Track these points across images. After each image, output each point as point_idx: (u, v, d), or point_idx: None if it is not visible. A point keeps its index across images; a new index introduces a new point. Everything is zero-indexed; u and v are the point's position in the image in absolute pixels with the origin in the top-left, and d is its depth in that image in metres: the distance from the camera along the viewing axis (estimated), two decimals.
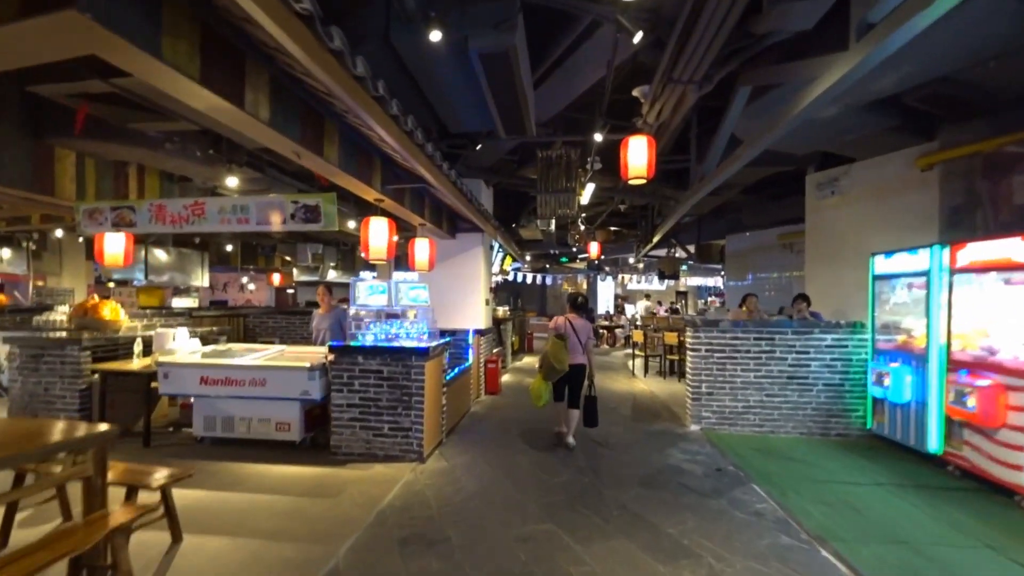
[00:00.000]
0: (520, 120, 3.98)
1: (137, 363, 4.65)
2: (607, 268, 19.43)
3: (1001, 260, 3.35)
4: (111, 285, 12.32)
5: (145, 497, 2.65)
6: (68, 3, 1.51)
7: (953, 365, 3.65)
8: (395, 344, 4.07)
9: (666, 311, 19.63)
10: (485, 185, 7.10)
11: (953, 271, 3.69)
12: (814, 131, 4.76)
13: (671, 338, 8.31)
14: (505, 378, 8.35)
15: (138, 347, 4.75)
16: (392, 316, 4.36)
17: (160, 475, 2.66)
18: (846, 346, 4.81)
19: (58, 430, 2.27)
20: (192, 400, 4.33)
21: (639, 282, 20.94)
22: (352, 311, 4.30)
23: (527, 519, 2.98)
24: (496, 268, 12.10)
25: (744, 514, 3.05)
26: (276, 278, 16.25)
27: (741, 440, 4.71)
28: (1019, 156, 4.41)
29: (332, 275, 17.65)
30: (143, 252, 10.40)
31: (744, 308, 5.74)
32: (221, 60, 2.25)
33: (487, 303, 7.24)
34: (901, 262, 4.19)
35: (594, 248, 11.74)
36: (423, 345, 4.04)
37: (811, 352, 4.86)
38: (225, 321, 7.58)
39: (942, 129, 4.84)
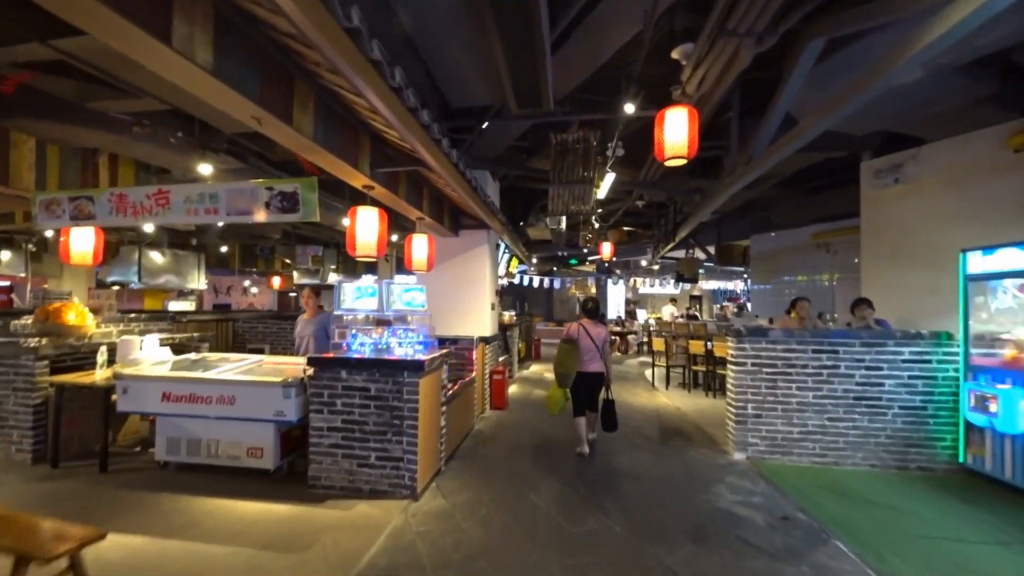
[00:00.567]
0: (536, 87, 3.31)
1: (99, 375, 4.03)
2: (618, 271, 18.65)
3: None
4: (115, 288, 11.86)
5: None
6: None
7: None
8: (385, 357, 3.40)
9: (681, 316, 18.78)
10: (492, 178, 6.45)
11: None
12: (885, 104, 4.03)
13: (696, 347, 7.54)
14: (512, 389, 7.65)
15: (101, 357, 4.14)
16: (383, 323, 3.70)
17: (65, 538, 1.99)
18: (928, 361, 4.02)
19: None
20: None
21: (652, 286, 20.11)
22: (337, 316, 3.65)
23: None
24: (502, 270, 11.43)
25: None
26: (276, 281, 15.75)
27: (800, 474, 3.95)
28: None
29: (333, 278, 17.09)
30: (136, 254, 9.94)
31: (793, 314, 4.97)
32: None
33: (493, 307, 6.56)
34: (1008, 259, 3.42)
35: (607, 249, 11.01)
36: (418, 358, 3.36)
37: (884, 368, 4.08)
38: (213, 326, 6.99)
39: None
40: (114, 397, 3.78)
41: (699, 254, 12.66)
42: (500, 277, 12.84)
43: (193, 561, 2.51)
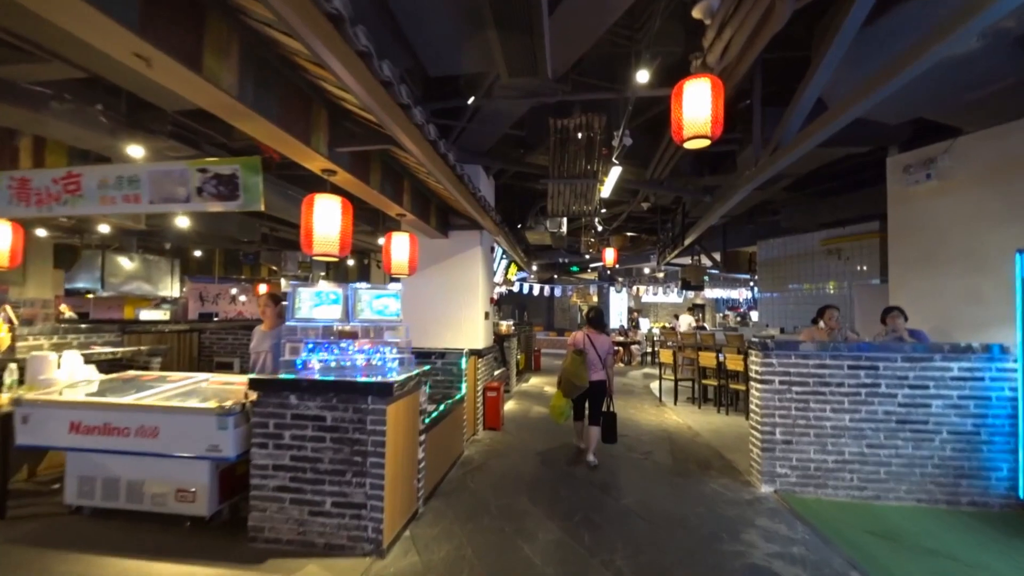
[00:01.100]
0: (531, 50, 2.76)
1: (4, 398, 3.39)
2: (620, 279, 18.12)
3: None
4: (90, 296, 11.13)
5: None
6: None
7: None
8: (345, 378, 2.78)
9: (701, 327, 18.21)
10: (485, 174, 5.89)
11: None
12: (923, 86, 3.51)
13: (707, 359, 6.95)
14: (509, 405, 7.02)
15: (10, 377, 3.49)
16: (348, 335, 3.09)
17: None
18: (981, 378, 3.46)
19: None
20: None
21: (655, 294, 19.58)
22: (290, 329, 3.03)
23: None
24: (499, 277, 10.84)
25: None
26: (263, 289, 15.07)
27: (839, 512, 3.34)
28: None
29: (323, 285, 16.40)
30: (100, 258, 9.28)
31: (821, 324, 4.40)
32: None
33: (487, 317, 5.96)
34: None
35: (610, 255, 10.46)
36: (386, 379, 2.75)
37: (930, 387, 3.51)
38: (173, 338, 6.34)
39: None
40: None
41: (704, 261, 12.15)
42: (498, 284, 12.26)
43: None
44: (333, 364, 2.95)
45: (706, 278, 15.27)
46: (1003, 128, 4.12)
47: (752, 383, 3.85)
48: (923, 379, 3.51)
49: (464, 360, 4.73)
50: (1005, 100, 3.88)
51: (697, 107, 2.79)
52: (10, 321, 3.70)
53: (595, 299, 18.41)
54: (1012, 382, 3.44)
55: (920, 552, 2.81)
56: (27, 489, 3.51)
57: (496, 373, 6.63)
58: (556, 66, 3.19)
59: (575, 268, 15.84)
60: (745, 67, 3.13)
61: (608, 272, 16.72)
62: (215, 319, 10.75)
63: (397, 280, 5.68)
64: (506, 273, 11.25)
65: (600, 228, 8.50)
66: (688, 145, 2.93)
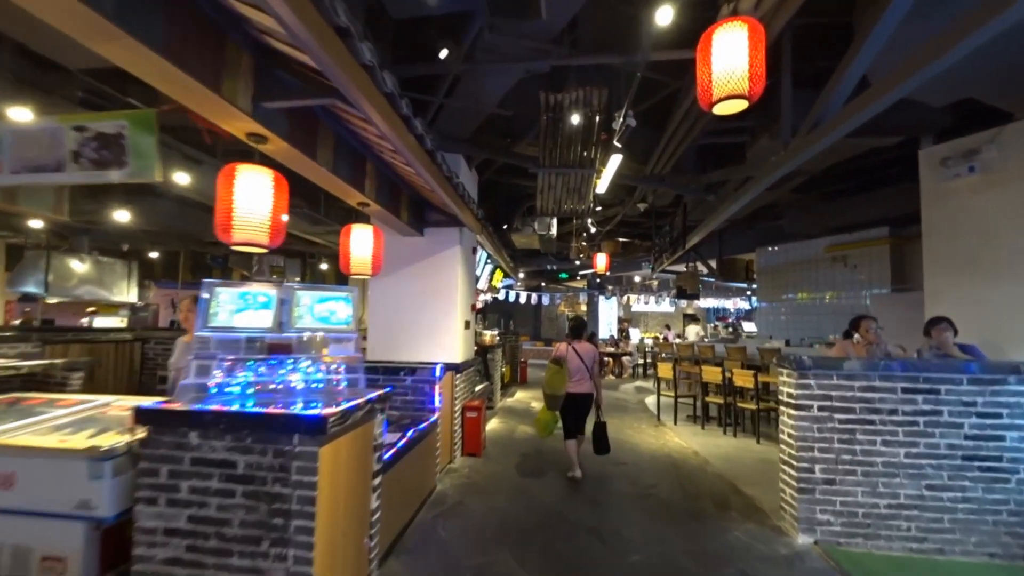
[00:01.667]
0: None
1: None
2: (610, 287, 17.58)
3: None
4: (49, 301, 10.06)
5: None
6: None
7: None
8: (264, 409, 2.05)
9: (675, 336, 17.68)
10: (467, 165, 5.24)
11: None
12: (983, 60, 2.98)
13: (711, 374, 6.33)
14: (492, 424, 6.29)
15: None
16: (280, 350, 2.36)
17: None
18: None
19: None
20: None
21: (646, 303, 19.07)
22: (201, 341, 2.29)
23: None
24: (484, 284, 10.15)
25: None
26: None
27: (896, 569, 2.70)
28: None
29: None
30: (44, 260, 8.35)
31: (857, 339, 3.79)
32: None
33: (467, 326, 5.26)
34: None
35: (601, 261, 9.88)
36: (319, 411, 2.03)
37: (1003, 415, 2.91)
38: (108, 349, 5.49)
39: None
40: None
41: (700, 268, 11.64)
42: (482, 291, 11.55)
43: None
44: (255, 389, 2.23)
45: (699, 286, 14.82)
46: None
47: (785, 408, 3.21)
48: (995, 405, 2.91)
49: (438, 376, 4.02)
50: None
51: (731, 58, 2.19)
52: None
53: (584, 308, 17.82)
54: None
55: None
56: None
57: (478, 389, 5.92)
58: (552, 15, 2.56)
59: (564, 275, 15.24)
60: (783, 19, 2.55)
61: (598, 280, 16.18)
62: (173, 326, 9.84)
63: (345, 282, 4.96)
64: (491, 279, 10.58)
65: (593, 229, 7.88)
66: (718, 109, 2.32)
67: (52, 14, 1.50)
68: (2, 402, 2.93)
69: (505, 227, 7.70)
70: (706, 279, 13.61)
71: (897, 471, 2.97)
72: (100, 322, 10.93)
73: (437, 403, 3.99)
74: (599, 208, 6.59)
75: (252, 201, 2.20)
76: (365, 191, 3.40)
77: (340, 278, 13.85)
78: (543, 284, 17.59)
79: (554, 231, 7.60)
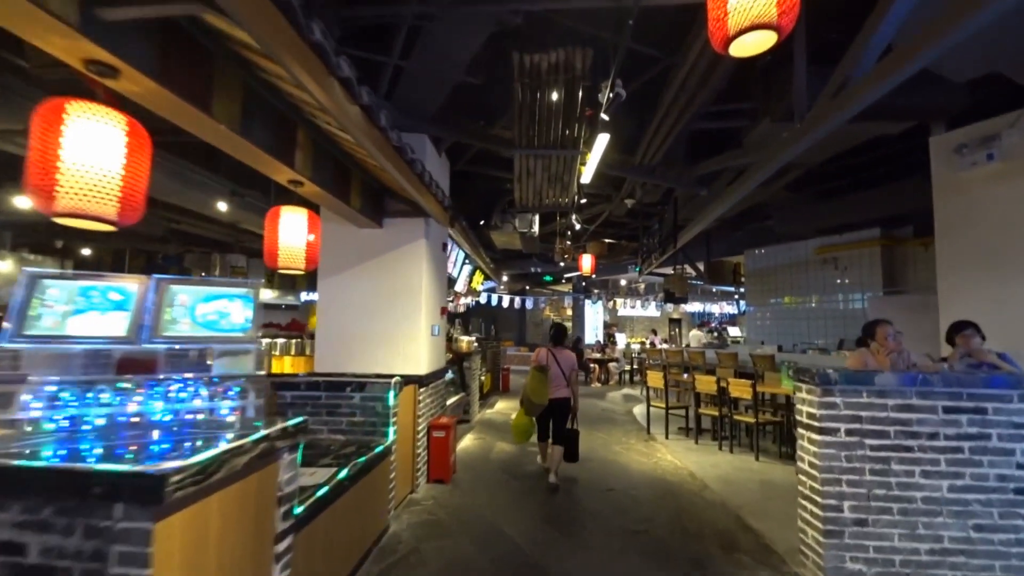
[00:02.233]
0: None
1: None
2: (596, 291, 17.14)
3: None
4: None
5: None
6: None
7: None
8: (69, 464, 1.38)
9: (662, 341, 17.30)
10: (435, 148, 4.62)
11: None
12: (1014, 31, 2.54)
13: (705, 384, 5.83)
14: (466, 441, 5.65)
15: None
16: (136, 367, 1.70)
17: None
18: None
19: None
20: None
21: (632, 307, 18.70)
22: (8, 356, 1.61)
23: None
24: (462, 286, 9.52)
25: None
26: None
27: None
28: None
29: (266, 295, 14.70)
30: None
31: (874, 347, 3.29)
32: None
33: (436, 332, 4.62)
34: None
35: (587, 262, 9.38)
36: (146, 468, 1.35)
37: None
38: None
39: None
40: None
41: (687, 271, 11.24)
42: (462, 294, 10.90)
43: None
44: (93, 426, 1.55)
45: (687, 290, 14.47)
46: None
47: (805, 432, 2.68)
48: None
49: (393, 393, 3.36)
50: None
51: None
52: None
53: (569, 312, 17.33)
54: None
55: None
56: None
57: (449, 403, 5.28)
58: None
59: (548, 278, 14.73)
60: None
61: (584, 283, 15.70)
62: None
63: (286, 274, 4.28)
64: (470, 281, 9.95)
65: (578, 226, 7.35)
66: (736, 49, 1.78)
67: None
68: None
69: (482, 223, 7.09)
70: (694, 282, 13.27)
71: (939, 508, 2.45)
72: None
73: (390, 426, 3.34)
74: (584, 201, 6.04)
75: (89, 154, 1.54)
76: (296, 166, 2.74)
77: (315, 283, 13.02)
78: (527, 287, 17.04)
79: (536, 229, 7.04)
